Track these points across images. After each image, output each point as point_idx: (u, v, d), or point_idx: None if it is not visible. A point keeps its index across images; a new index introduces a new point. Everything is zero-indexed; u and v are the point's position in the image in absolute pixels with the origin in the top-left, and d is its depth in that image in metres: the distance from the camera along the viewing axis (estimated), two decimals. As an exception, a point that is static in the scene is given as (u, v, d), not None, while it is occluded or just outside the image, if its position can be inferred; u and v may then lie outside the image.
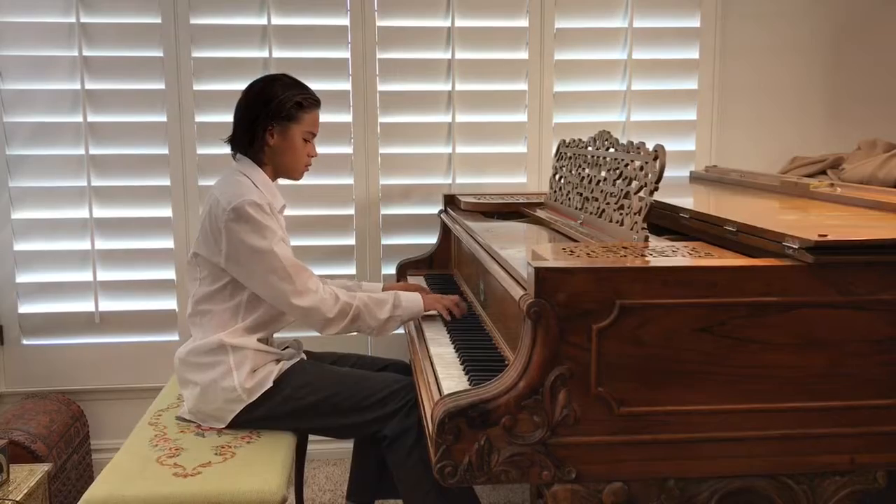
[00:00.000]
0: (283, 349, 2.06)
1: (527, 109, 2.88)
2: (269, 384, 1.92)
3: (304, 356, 2.09)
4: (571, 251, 1.49)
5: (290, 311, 1.94)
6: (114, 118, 2.74)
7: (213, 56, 2.74)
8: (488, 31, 2.83)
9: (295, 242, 2.30)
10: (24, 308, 2.77)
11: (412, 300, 2.04)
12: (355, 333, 2.21)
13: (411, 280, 2.61)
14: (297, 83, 2.03)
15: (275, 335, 2.10)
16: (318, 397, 1.93)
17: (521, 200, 2.57)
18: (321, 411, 1.93)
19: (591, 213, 1.96)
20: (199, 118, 2.75)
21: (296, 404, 1.93)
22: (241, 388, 1.89)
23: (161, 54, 2.72)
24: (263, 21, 2.75)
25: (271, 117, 1.97)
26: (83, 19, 2.69)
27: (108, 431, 2.82)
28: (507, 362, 1.64)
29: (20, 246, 2.74)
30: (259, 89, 2.00)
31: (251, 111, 1.98)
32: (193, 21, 2.72)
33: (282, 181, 2.12)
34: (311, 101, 2.02)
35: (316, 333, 1.98)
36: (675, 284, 1.32)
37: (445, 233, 2.73)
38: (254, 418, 1.92)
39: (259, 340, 1.96)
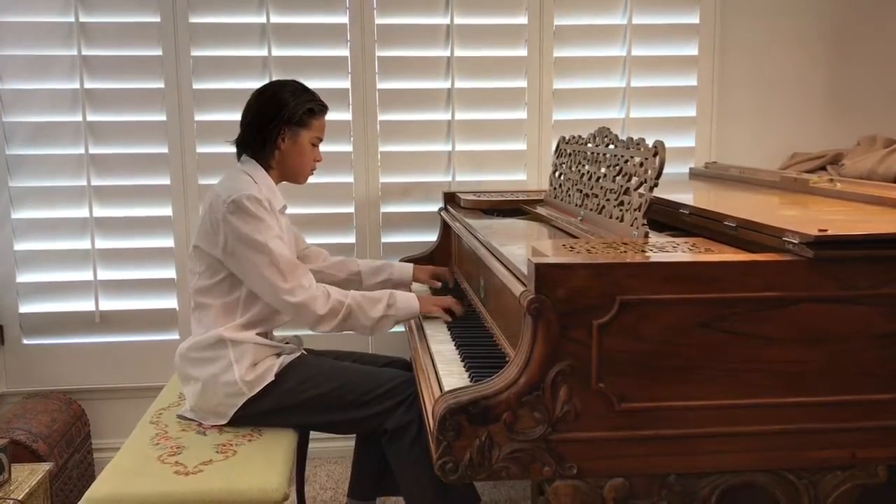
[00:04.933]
0: (284, 344, 2.06)
1: (526, 106, 2.87)
2: (271, 377, 1.92)
3: (304, 351, 2.09)
4: (571, 247, 1.49)
5: (281, 308, 1.94)
6: (113, 117, 2.74)
7: (212, 55, 2.74)
8: (487, 29, 2.83)
9: (295, 240, 2.30)
10: (25, 308, 2.77)
11: (407, 301, 2.03)
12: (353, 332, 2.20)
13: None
14: (307, 89, 2.06)
15: (274, 332, 2.10)
16: (319, 391, 1.94)
17: (520, 197, 2.57)
18: (323, 405, 1.94)
19: (591, 210, 1.96)
20: (199, 117, 2.75)
21: (297, 398, 1.93)
22: (242, 381, 1.90)
23: (160, 53, 2.72)
24: (262, 19, 2.74)
25: (284, 122, 2.00)
26: (82, 19, 2.68)
27: (110, 430, 2.83)
28: (507, 359, 1.64)
29: (20, 245, 2.74)
30: (271, 94, 2.02)
31: (262, 115, 2.01)
32: (192, 20, 2.72)
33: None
34: (321, 108, 2.06)
35: (315, 332, 1.98)
36: (675, 280, 1.32)
37: (445, 230, 2.73)
38: (255, 413, 1.93)
39: (258, 335, 1.97)
